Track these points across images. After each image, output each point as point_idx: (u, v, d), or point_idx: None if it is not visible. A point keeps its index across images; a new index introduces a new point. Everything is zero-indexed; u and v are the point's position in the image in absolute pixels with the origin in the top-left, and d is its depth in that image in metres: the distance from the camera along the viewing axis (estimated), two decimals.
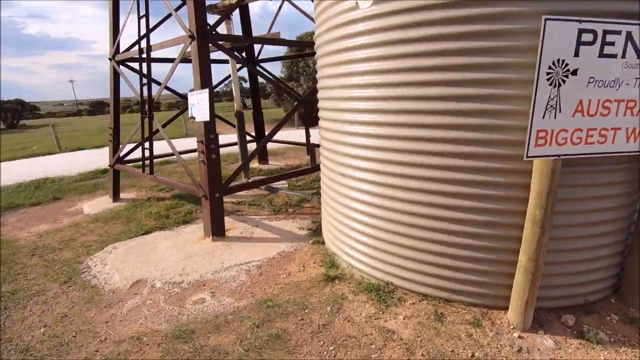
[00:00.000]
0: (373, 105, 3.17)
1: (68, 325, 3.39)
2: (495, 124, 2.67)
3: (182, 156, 6.63)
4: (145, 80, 5.86)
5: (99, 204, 7.27)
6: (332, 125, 3.81)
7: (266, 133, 9.22)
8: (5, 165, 12.72)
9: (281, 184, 7.55)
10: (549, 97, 2.48)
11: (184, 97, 6.71)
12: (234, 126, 8.03)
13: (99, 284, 4.13)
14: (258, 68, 8.56)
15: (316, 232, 5.11)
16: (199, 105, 4.86)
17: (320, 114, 4.22)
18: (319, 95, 4.17)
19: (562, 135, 2.58)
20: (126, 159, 7.17)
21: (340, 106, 3.55)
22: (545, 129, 2.55)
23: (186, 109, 6.02)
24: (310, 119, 8.46)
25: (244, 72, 16.89)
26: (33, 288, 4.19)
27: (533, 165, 2.61)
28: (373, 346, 2.82)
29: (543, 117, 2.52)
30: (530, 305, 2.83)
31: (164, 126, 6.27)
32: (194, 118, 5.06)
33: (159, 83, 5.98)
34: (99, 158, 12.87)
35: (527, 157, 2.60)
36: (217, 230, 5.02)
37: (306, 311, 3.32)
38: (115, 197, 7.35)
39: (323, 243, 4.65)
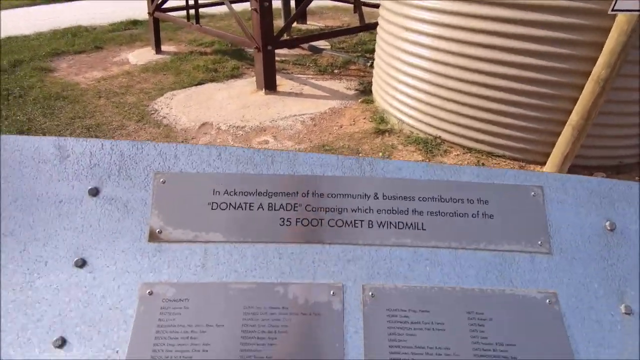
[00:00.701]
0: None
1: None
2: None
3: (227, 9, 6.33)
4: None
5: (142, 54, 7.36)
6: None
7: None
8: (23, 11, 12.36)
9: (323, 44, 7.32)
10: None
11: None
12: None
13: (170, 124, 4.63)
14: None
15: (364, 92, 5.25)
16: None
17: None
18: None
19: None
20: (164, 6, 6.90)
21: None
22: None
23: None
24: None
25: None
26: (113, 124, 4.74)
27: (615, 21, 2.55)
28: None
29: None
30: (568, 160, 3.15)
31: None
32: None
33: None
34: (126, 8, 12.25)
35: (611, 10, 2.50)
36: (269, 84, 5.23)
37: (360, 155, 3.77)
38: (158, 49, 7.37)
39: (372, 102, 4.86)
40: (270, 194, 0.80)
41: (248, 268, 0.75)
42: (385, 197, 0.81)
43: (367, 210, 0.80)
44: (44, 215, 0.76)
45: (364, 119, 4.55)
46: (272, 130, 4.39)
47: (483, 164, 3.51)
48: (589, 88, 2.79)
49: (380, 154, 3.77)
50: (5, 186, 0.78)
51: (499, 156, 3.54)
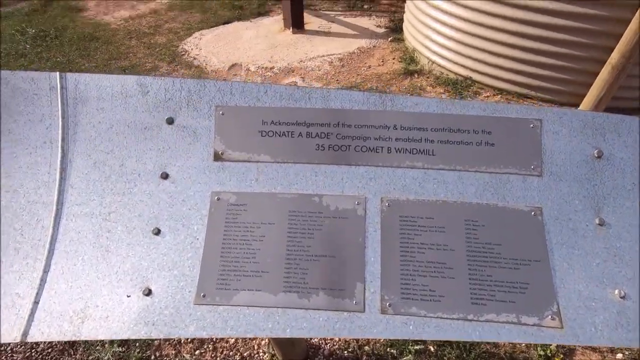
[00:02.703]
0: None
1: None
2: None
3: None
4: None
5: None
6: None
7: None
8: None
9: None
10: None
11: None
12: None
13: (201, 65, 4.74)
14: None
15: (394, 30, 5.06)
16: None
17: None
18: None
19: None
20: None
21: None
22: None
23: None
24: None
25: None
26: (146, 65, 4.91)
27: None
28: None
29: None
30: (604, 102, 3.06)
31: None
32: None
33: None
34: None
35: None
36: (297, 23, 5.12)
37: None
38: None
39: (402, 41, 4.71)
40: (307, 124, 0.97)
41: (291, 182, 0.96)
42: (402, 128, 0.97)
43: (387, 139, 0.96)
44: (133, 139, 0.98)
45: (394, 59, 4.46)
46: (300, 71, 4.43)
47: None
48: (634, 25, 2.63)
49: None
50: (102, 116, 1.00)
51: (529, 97, 3.48)
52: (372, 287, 0.86)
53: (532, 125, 0.96)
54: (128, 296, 0.87)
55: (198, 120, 0.98)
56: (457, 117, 0.97)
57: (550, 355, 1.77)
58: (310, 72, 4.40)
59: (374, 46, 4.79)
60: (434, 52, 3.98)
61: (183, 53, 5.09)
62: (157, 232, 0.94)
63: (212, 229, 0.92)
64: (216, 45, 5.14)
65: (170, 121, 0.99)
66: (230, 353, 1.81)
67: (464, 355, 1.75)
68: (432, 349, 1.78)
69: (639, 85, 3.15)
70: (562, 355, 1.77)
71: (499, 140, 0.96)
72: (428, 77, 4.01)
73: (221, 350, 1.82)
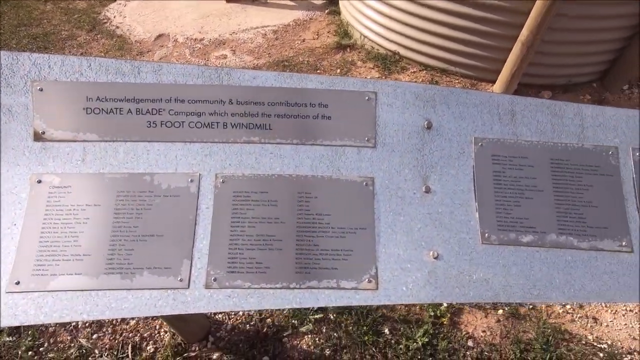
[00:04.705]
0: None
1: None
2: None
3: None
4: None
5: None
6: None
7: None
8: None
9: None
10: None
11: None
12: None
13: (124, 34, 4.39)
14: None
15: (333, 1, 4.95)
16: None
17: None
18: None
19: None
20: None
21: None
22: None
23: None
24: None
25: None
26: (62, 33, 4.46)
27: None
28: None
29: None
30: (516, 77, 3.23)
31: None
32: None
33: None
34: None
35: None
36: None
37: (318, 71, 3.75)
38: None
39: (339, 13, 4.62)
40: (137, 100, 0.92)
41: (121, 162, 0.91)
42: (238, 103, 0.95)
43: (223, 114, 0.94)
44: None
45: (329, 32, 4.38)
46: (232, 43, 4.24)
47: (437, 82, 3.57)
48: (540, 2, 2.75)
49: (338, 70, 3.76)
50: None
51: (452, 73, 3.58)
52: (200, 264, 0.87)
53: (367, 98, 0.98)
54: None
55: (12, 97, 0.90)
56: (295, 91, 0.96)
57: (439, 315, 1.92)
58: (242, 45, 4.22)
59: (310, 18, 4.67)
60: (366, 27, 3.95)
61: (105, 20, 4.67)
62: None
63: (31, 214, 0.87)
64: (142, 13, 4.76)
65: None
66: (130, 335, 1.79)
67: (361, 322, 1.85)
68: (331, 317, 1.87)
69: (550, 62, 3.34)
70: (449, 315, 1.93)
71: (335, 113, 0.97)
72: (360, 52, 4.00)
73: (121, 332, 1.79)
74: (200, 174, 0.92)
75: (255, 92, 0.95)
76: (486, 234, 0.95)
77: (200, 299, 0.83)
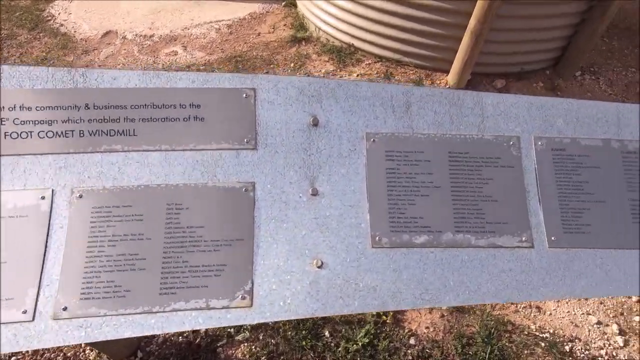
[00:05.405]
0: None
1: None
2: None
3: None
4: None
5: None
6: None
7: None
8: None
9: None
10: None
11: None
12: None
13: (69, 32, 4.16)
14: None
15: None
16: None
17: None
18: None
19: None
20: None
21: None
22: None
23: None
24: None
25: None
26: (1, 32, 4.19)
27: None
28: None
29: None
30: (468, 66, 3.20)
31: None
32: None
33: None
34: None
35: None
36: None
37: (271, 66, 3.64)
38: None
39: (296, 6, 4.50)
40: None
41: None
42: (96, 107, 0.85)
43: (78, 121, 0.84)
44: None
45: (285, 25, 4.26)
46: (184, 39, 4.07)
47: (391, 74, 3.51)
48: None
49: (292, 64, 3.66)
50: None
51: (407, 64, 3.53)
52: (48, 292, 0.77)
53: (245, 95, 0.90)
54: None
55: None
56: (163, 91, 0.87)
57: (382, 313, 1.87)
58: (195, 41, 4.06)
59: (267, 11, 4.53)
60: (321, 19, 3.86)
61: (49, 18, 4.41)
62: None
63: None
64: (89, 10, 4.52)
65: None
66: (52, 355, 1.67)
67: (301, 326, 1.79)
68: (270, 323, 1.80)
69: (502, 50, 3.33)
70: (392, 313, 1.88)
71: (209, 114, 0.88)
72: (315, 45, 3.90)
73: (42, 353, 1.68)
74: (53, 190, 0.82)
75: (116, 94, 0.85)
76: (377, 237, 0.88)
77: (46, 332, 0.74)
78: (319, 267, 0.84)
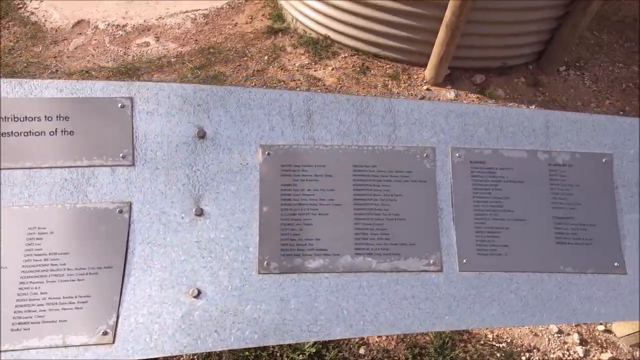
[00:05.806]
0: None
1: (17, 57, 3.56)
2: None
3: None
4: None
5: None
6: None
7: None
8: None
9: None
10: None
11: None
12: None
13: (39, 21, 4.03)
14: None
15: None
16: None
17: None
18: None
19: None
20: None
21: None
22: None
23: None
24: None
25: None
26: None
27: None
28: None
29: None
30: (445, 61, 3.08)
31: None
32: None
33: None
34: None
35: None
36: None
37: (245, 59, 3.52)
38: None
39: None
40: None
41: None
42: None
43: None
44: None
45: (262, 15, 4.12)
46: (157, 29, 3.94)
47: (367, 67, 3.39)
48: None
49: (266, 57, 3.54)
50: None
51: (384, 58, 3.41)
52: None
53: (121, 106, 0.81)
54: None
55: None
56: (26, 101, 0.78)
57: None
58: (169, 31, 3.93)
59: (245, 1, 4.38)
60: (297, 9, 3.72)
61: (20, 6, 4.28)
62: None
63: None
64: None
65: None
66: None
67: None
68: None
69: (481, 44, 3.20)
70: None
71: (79, 127, 0.79)
72: (292, 37, 3.77)
73: None
74: None
75: None
76: (265, 262, 0.80)
77: None
78: (195, 297, 0.76)
